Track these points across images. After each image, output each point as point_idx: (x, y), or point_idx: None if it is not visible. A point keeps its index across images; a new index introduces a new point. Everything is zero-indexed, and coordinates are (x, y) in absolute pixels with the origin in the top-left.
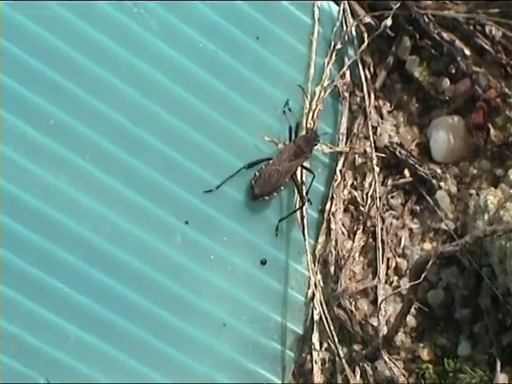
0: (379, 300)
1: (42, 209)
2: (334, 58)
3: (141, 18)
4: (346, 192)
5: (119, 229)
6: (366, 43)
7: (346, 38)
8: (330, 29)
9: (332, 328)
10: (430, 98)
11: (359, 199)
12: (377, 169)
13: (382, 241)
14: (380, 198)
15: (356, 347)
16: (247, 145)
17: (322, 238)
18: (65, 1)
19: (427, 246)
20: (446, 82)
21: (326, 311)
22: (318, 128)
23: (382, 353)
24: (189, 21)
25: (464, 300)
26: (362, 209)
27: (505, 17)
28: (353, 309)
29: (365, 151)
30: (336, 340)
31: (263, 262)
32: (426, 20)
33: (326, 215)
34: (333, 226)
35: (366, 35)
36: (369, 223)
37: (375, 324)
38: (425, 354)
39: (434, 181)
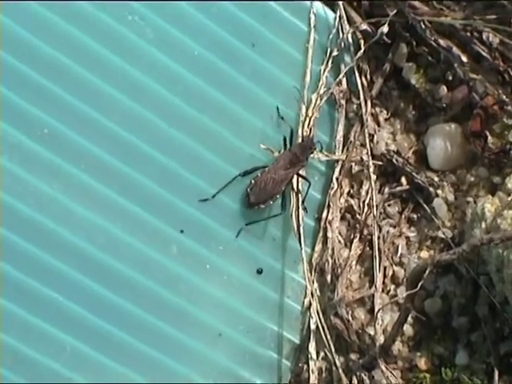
0: (376, 309)
1: (36, 218)
2: (330, 65)
3: (136, 26)
4: (342, 200)
5: (114, 238)
6: (362, 50)
7: (343, 44)
8: (326, 36)
9: (329, 337)
10: (427, 105)
11: (356, 207)
12: (373, 177)
13: (379, 249)
14: (377, 206)
15: (353, 356)
16: (243, 153)
17: (318, 247)
18: (60, 9)
19: (424, 254)
20: (443, 89)
21: (322, 320)
22: (313, 136)
23: (379, 362)
24: (184, 29)
25: (461, 308)
26: (358, 217)
27: (502, 23)
28: (349, 318)
29: (361, 159)
30: (333, 349)
31: (259, 271)
32: (423, 27)
33: (322, 223)
34: (329, 234)
35: (362, 42)
36: (366, 231)
37: (372, 333)
38: (422, 363)
39: (431, 189)
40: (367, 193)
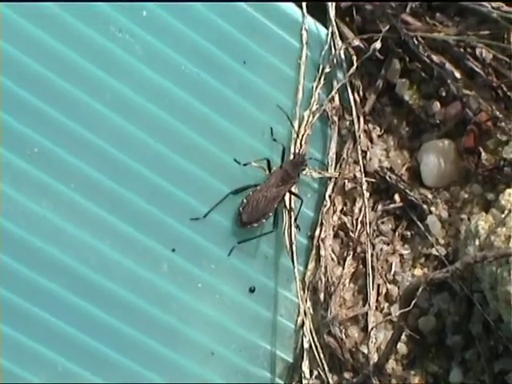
0: (370, 327)
1: (25, 237)
2: (322, 81)
3: (125, 43)
4: (335, 218)
5: (104, 257)
6: (354, 66)
7: (335, 61)
8: (319, 52)
9: (322, 356)
10: (421, 121)
11: (349, 225)
12: (367, 194)
13: (373, 267)
14: (370, 223)
15: (346, 375)
16: (234, 170)
17: (311, 265)
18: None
19: (418, 271)
20: (437, 105)
21: (315, 339)
22: (304, 152)
23: (373, 381)
24: (174, 45)
25: (455, 326)
26: (351, 235)
27: (495, 39)
28: (343, 336)
29: (354, 176)
30: (326, 368)
31: (252, 290)
32: (416, 42)
33: (315, 241)
34: (322, 252)
35: (354, 58)
36: (359, 249)
37: (366, 351)
38: (416, 381)
39: (424, 206)
40: (360, 210)
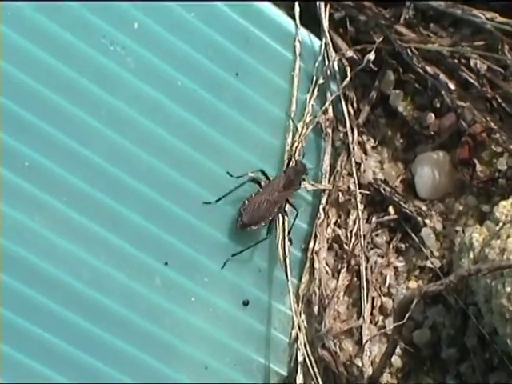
0: (364, 340)
1: (18, 252)
2: (316, 93)
3: (117, 56)
4: (329, 230)
5: (97, 271)
6: (348, 78)
7: (329, 72)
8: (312, 63)
9: (316, 369)
10: (415, 133)
11: (343, 237)
12: (361, 206)
13: (367, 280)
14: (364, 235)
15: None
16: (228, 183)
17: (305, 278)
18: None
19: (413, 284)
20: (431, 116)
21: (310, 352)
22: (304, 160)
23: None
24: (166, 58)
25: (450, 339)
26: (346, 247)
27: (489, 50)
28: (337, 349)
29: (348, 188)
30: (320, 381)
31: (245, 303)
32: (410, 54)
33: (309, 254)
34: (316, 265)
35: (348, 70)
36: (353, 262)
37: (360, 365)
38: None
39: (419, 218)
40: (354, 222)
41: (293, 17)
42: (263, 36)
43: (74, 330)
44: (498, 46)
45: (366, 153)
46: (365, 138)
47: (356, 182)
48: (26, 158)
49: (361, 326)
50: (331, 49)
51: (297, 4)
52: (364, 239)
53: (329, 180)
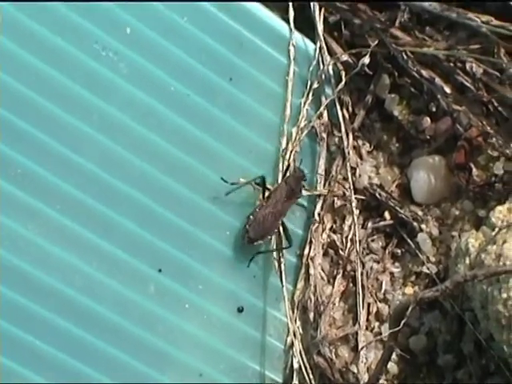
0: (360, 347)
1: (11, 260)
2: (310, 97)
3: (110, 62)
4: (324, 236)
5: (90, 279)
6: (343, 82)
7: (323, 76)
8: (307, 68)
9: (312, 376)
10: (411, 137)
11: (338, 243)
12: (356, 211)
13: (363, 286)
14: (360, 241)
15: None
16: (222, 189)
17: (300, 284)
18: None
19: (409, 290)
20: (427, 120)
21: (305, 359)
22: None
23: None
24: (159, 63)
25: (447, 345)
26: (341, 253)
27: (485, 53)
28: (333, 356)
29: (344, 193)
30: None
31: (240, 310)
32: (405, 57)
33: (304, 260)
34: (312, 271)
35: (343, 73)
36: (349, 267)
37: (356, 371)
38: None
39: (415, 223)
40: (350, 228)
41: (287, 20)
42: (257, 40)
43: (66, 338)
44: (493, 50)
45: (361, 157)
46: (360, 142)
47: (351, 186)
48: (18, 166)
49: (356, 333)
50: (326, 52)
51: (291, 8)
52: (360, 245)
53: (324, 185)
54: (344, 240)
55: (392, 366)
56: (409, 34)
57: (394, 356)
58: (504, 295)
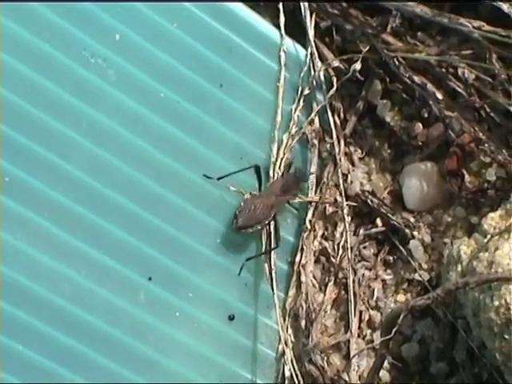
0: (352, 354)
1: None
2: (301, 103)
3: (99, 69)
4: (316, 243)
5: (80, 287)
6: (334, 88)
7: (314, 82)
8: (298, 74)
9: None
10: (403, 143)
11: (330, 250)
12: (348, 218)
13: (354, 293)
14: (352, 248)
15: None
16: (213, 196)
17: (292, 291)
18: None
19: (401, 297)
20: (419, 126)
21: (297, 367)
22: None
23: None
24: (149, 70)
25: (439, 353)
26: (333, 260)
27: (477, 59)
28: (324, 364)
29: (335, 200)
30: None
31: (231, 318)
32: (397, 63)
33: (295, 267)
34: (303, 278)
35: (334, 79)
36: (340, 275)
37: (348, 379)
38: None
39: (407, 230)
40: (342, 235)
41: (278, 26)
42: (247, 46)
43: (55, 346)
44: (485, 55)
45: (353, 164)
46: (352, 148)
47: (343, 193)
48: (5, 173)
49: (348, 340)
50: (317, 58)
51: (282, 13)
52: (351, 252)
53: (315, 192)
54: (336, 247)
55: (384, 374)
56: (400, 39)
57: (386, 364)
58: (496, 303)
